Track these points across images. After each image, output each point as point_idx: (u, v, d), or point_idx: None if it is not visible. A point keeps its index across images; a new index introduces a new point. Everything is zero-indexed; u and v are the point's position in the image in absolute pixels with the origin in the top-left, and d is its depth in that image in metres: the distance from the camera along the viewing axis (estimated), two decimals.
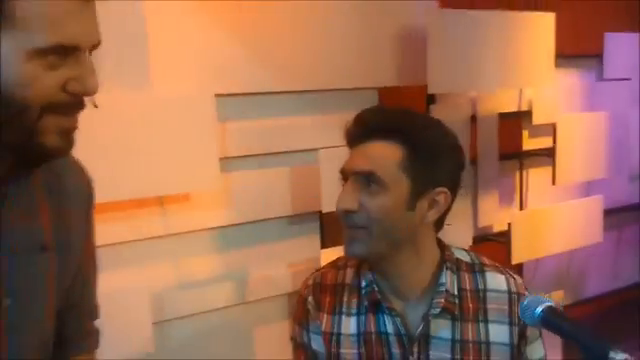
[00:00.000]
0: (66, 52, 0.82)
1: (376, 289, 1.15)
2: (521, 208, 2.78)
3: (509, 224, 2.56)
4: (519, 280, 1.21)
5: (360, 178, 1.11)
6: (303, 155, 2.14)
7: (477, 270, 1.19)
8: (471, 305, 1.15)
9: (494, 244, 2.57)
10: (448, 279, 1.15)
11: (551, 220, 2.67)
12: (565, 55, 2.71)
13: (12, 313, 0.90)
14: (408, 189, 1.10)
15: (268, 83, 2.05)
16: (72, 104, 0.84)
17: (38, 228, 0.94)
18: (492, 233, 2.67)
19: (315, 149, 2.10)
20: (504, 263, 2.64)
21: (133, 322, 1.82)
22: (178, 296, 1.97)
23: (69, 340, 1.09)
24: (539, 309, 0.92)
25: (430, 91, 2.29)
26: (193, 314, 2.00)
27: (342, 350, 1.15)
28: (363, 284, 1.16)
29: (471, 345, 1.13)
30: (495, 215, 2.63)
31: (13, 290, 0.90)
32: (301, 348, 1.20)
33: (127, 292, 1.81)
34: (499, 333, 1.15)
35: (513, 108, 2.68)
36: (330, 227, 2.20)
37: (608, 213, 2.92)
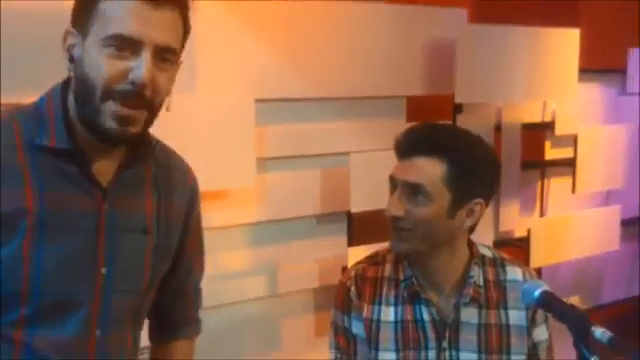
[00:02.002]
0: (128, 45, 0.97)
1: (415, 282, 1.29)
2: (541, 215, 2.87)
3: (529, 230, 2.66)
4: (533, 272, 1.39)
5: (408, 188, 1.25)
6: (334, 158, 2.26)
7: (498, 264, 1.36)
8: (494, 294, 1.32)
9: (514, 249, 2.67)
10: (476, 273, 1.31)
11: (570, 227, 2.77)
12: (589, 69, 2.79)
13: (108, 279, 1.05)
14: (449, 201, 1.26)
15: (303, 90, 2.18)
16: (130, 93, 0.98)
17: (142, 214, 1.10)
18: (512, 238, 2.76)
19: (345, 153, 2.23)
20: None
21: None
22: (213, 286, 2.09)
23: (174, 324, 1.27)
24: (537, 292, 1.12)
25: (457, 100, 2.40)
26: (226, 304, 2.13)
27: (381, 335, 1.31)
28: (402, 278, 1.32)
29: (494, 328, 1.31)
30: (516, 221, 2.73)
31: (111, 261, 1.06)
32: (341, 331, 1.36)
33: None
34: (517, 317, 1.32)
35: (537, 119, 2.78)
36: (357, 226, 2.33)
37: (626, 223, 3.00)
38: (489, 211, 2.64)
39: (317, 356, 2.27)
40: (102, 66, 0.97)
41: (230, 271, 2.15)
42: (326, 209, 2.28)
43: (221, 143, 2.00)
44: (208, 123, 1.97)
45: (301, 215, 2.24)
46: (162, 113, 1.81)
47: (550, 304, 1.10)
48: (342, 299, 1.36)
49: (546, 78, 2.59)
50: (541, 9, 2.64)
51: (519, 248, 2.65)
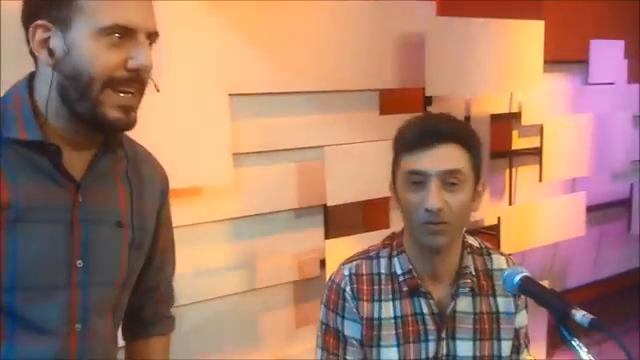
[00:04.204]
0: (125, 33, 0.97)
1: (416, 276, 1.30)
2: (510, 203, 2.95)
3: (499, 218, 2.73)
4: (515, 260, 1.41)
5: (444, 177, 1.22)
6: (309, 152, 2.28)
7: (484, 253, 1.37)
8: (484, 283, 1.34)
9: (485, 236, 2.73)
10: (470, 262, 1.33)
11: (537, 215, 2.85)
12: (553, 61, 2.87)
13: (84, 272, 1.04)
14: (473, 185, 1.26)
15: (278, 84, 2.19)
16: (130, 80, 0.98)
17: (115, 207, 1.09)
18: (483, 226, 2.83)
19: (320, 146, 2.24)
20: None
21: None
22: (191, 283, 2.09)
23: (148, 322, 1.24)
24: (517, 278, 1.13)
25: (428, 93, 2.44)
26: (205, 300, 2.13)
27: (383, 332, 1.30)
28: (399, 272, 1.31)
29: (486, 316, 1.32)
30: (486, 210, 2.79)
31: (87, 254, 1.04)
32: (332, 332, 1.32)
33: None
34: (505, 304, 1.34)
35: (504, 110, 2.85)
36: (334, 219, 2.35)
37: (591, 209, 3.10)
38: None
39: (299, 347, 2.29)
40: (100, 56, 0.96)
41: (209, 267, 2.15)
42: (303, 203, 2.30)
43: (197, 139, 1.99)
44: (183, 119, 1.96)
45: (278, 209, 2.26)
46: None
47: (530, 289, 1.12)
48: (335, 300, 1.32)
49: (512, 69, 2.65)
50: (506, 2, 2.70)
51: (490, 236, 2.71)
